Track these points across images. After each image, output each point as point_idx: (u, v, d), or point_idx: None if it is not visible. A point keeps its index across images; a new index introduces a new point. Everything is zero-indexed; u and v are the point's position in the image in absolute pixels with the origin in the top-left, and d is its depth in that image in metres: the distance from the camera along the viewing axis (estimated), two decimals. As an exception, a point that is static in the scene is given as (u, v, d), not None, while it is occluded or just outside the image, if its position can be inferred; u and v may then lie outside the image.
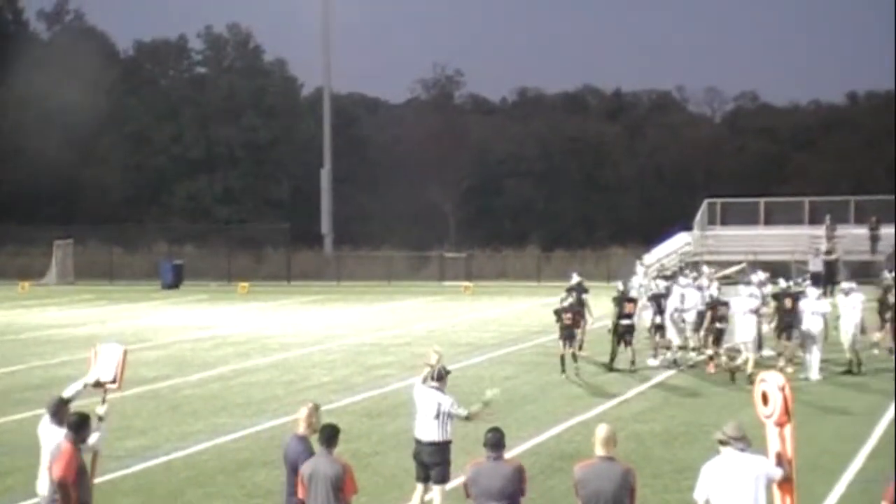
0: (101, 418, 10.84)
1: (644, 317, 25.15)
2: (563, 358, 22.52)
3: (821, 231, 49.23)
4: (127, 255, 58.86)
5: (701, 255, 48.69)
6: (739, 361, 21.85)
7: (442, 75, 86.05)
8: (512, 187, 74.62)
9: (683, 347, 24.31)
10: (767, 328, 23.18)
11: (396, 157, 72.66)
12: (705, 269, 27.23)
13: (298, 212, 66.02)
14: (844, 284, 24.68)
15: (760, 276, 26.04)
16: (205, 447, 16.56)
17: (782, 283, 25.20)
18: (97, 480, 11.14)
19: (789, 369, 21.76)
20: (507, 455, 9.68)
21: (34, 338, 31.06)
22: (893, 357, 23.21)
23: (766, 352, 23.53)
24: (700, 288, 24.82)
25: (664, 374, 23.01)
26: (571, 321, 22.39)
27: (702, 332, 23.30)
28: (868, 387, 20.76)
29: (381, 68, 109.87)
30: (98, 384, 11.12)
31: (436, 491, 11.98)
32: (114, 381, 11.13)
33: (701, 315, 23.24)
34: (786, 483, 9.13)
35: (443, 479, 11.97)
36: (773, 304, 23.70)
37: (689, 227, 52.33)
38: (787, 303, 22.82)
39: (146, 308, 41.10)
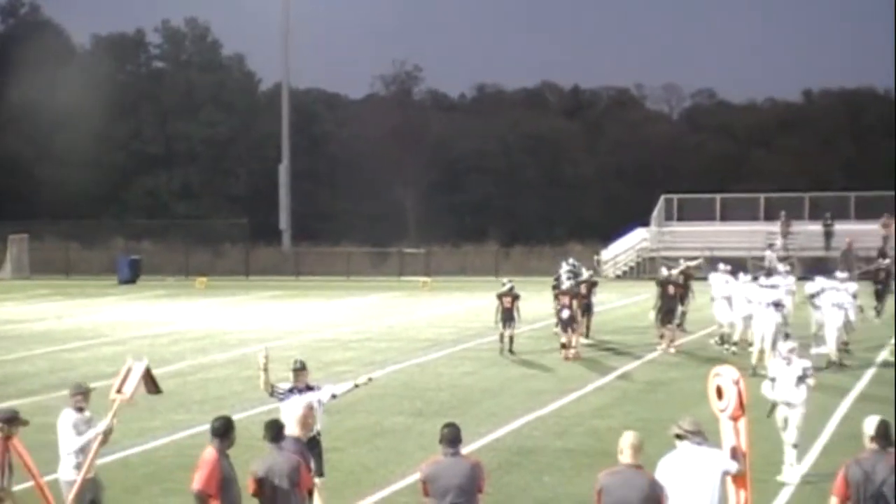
0: (106, 433, 10.90)
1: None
2: (501, 337, 25.34)
3: (776, 227, 49.83)
4: (84, 251, 58.37)
5: (658, 250, 49.08)
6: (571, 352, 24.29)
7: (401, 71, 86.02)
8: (471, 183, 74.72)
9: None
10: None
11: (356, 152, 72.49)
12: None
13: (257, 207, 65.78)
14: (839, 275, 25.07)
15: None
16: (162, 443, 16.51)
17: (664, 271, 27.22)
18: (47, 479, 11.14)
19: (671, 350, 25.00)
20: (465, 451, 9.70)
21: (-11, 334, 30.74)
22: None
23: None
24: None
25: (622, 368, 23.22)
26: (511, 305, 25.13)
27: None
28: (821, 383, 20.95)
29: (339, 64, 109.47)
30: (119, 394, 11.08)
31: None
32: (128, 396, 11.10)
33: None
34: (740, 477, 9.26)
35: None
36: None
37: (646, 223, 52.70)
38: (671, 290, 25.40)
39: (103, 303, 40.82)
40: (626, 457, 8.59)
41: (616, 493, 8.50)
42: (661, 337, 25.84)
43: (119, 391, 11.09)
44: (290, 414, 10.99)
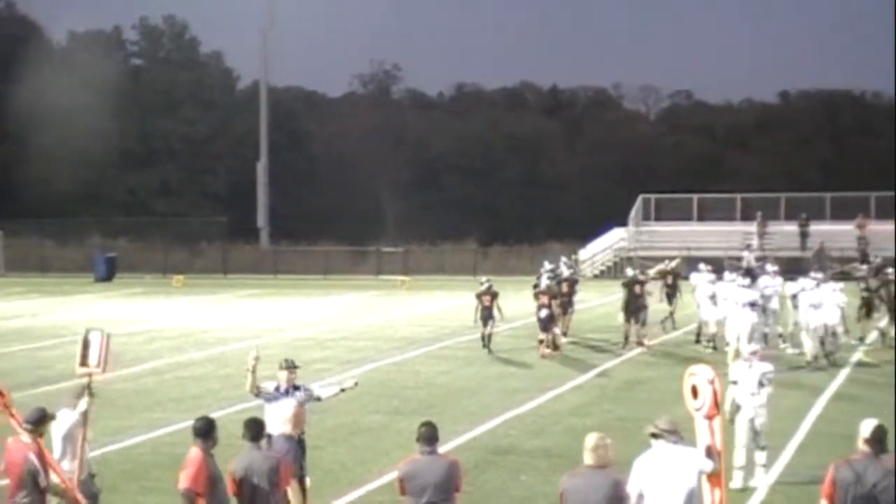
0: (83, 415, 10.90)
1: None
2: (482, 336, 25.54)
3: (752, 227, 50.09)
4: (59, 248, 58.09)
5: (635, 250, 49.24)
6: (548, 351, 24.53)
7: (380, 70, 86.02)
8: (450, 182, 74.74)
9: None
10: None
11: (334, 151, 72.44)
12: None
13: (236, 205, 65.63)
14: (812, 275, 25.08)
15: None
16: (140, 441, 16.48)
17: (629, 271, 28.06)
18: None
19: (647, 342, 25.50)
20: (442, 449, 9.72)
21: (-36, 331, 30.57)
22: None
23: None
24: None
25: (600, 367, 23.29)
26: (490, 303, 25.34)
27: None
28: (795, 383, 21.14)
29: (318, 62, 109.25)
30: (85, 367, 11.05)
31: None
32: (98, 366, 11.09)
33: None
34: (715, 476, 9.30)
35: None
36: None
37: (624, 223, 52.86)
38: (637, 289, 25.83)
39: (79, 301, 40.63)
40: (587, 458, 8.58)
41: (577, 495, 8.49)
42: (626, 339, 26.05)
43: (84, 364, 11.04)
44: (279, 413, 11.02)
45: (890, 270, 27.93)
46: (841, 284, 24.88)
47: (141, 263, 54.25)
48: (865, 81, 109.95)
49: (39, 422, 9.98)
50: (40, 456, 9.79)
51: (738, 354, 22.03)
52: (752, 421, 13.68)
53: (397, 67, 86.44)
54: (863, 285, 27.16)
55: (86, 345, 11.11)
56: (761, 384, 13.70)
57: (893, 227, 45.10)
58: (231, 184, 70.81)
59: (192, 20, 78.47)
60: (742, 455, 13.58)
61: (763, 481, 13.69)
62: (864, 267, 31.04)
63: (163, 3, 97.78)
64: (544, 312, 24.86)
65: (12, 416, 10.02)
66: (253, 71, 77.35)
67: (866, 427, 8.72)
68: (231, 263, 55.52)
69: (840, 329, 23.41)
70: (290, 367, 12.23)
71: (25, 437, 9.81)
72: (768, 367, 14.02)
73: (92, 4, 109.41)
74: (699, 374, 9.49)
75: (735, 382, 13.74)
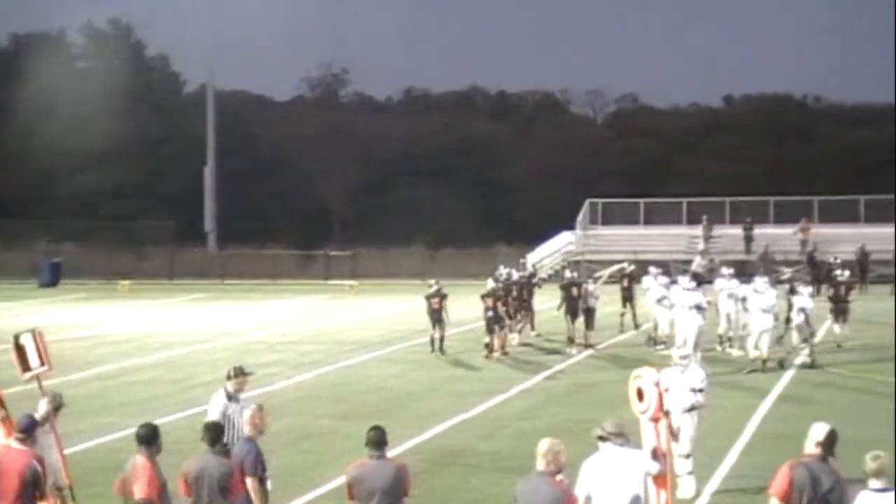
0: (45, 418, 10.82)
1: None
2: (432, 339, 25.82)
3: (698, 231, 50.63)
4: (3, 252, 57.35)
5: (583, 254, 49.53)
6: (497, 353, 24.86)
7: (328, 73, 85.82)
8: (398, 186, 74.65)
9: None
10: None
11: (282, 154, 72.14)
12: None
13: (183, 209, 65.13)
14: (758, 280, 25.30)
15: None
16: (87, 447, 16.34)
17: (567, 274, 29.09)
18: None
19: (573, 350, 25.76)
20: (391, 454, 9.76)
21: None
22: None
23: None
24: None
25: (548, 370, 23.44)
26: (439, 306, 25.66)
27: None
28: (741, 384, 21.40)
29: (265, 66, 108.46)
30: (29, 371, 10.95)
31: None
32: (43, 365, 11.01)
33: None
34: (661, 477, 9.42)
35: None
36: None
37: (572, 227, 53.17)
38: (574, 291, 26.56)
39: (22, 307, 40.15)
40: (537, 463, 8.58)
41: (525, 499, 8.51)
42: (571, 339, 26.30)
43: (27, 369, 10.94)
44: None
45: (838, 272, 28.57)
46: (809, 289, 25.30)
47: (87, 268, 53.69)
48: (807, 85, 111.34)
49: (31, 429, 9.91)
50: (42, 462, 9.74)
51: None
52: (678, 429, 13.17)
53: (345, 71, 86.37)
54: (788, 287, 27.53)
55: (20, 349, 10.99)
56: (692, 393, 13.42)
57: (893, 227, 45.40)
58: (178, 188, 70.20)
59: (137, 24, 78.03)
60: (680, 463, 13.40)
61: (689, 491, 13.42)
62: (789, 270, 31.66)
63: (108, 6, 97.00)
64: (490, 314, 25.05)
65: (5, 420, 9.93)
66: (199, 75, 76.97)
67: (819, 430, 8.67)
68: (178, 267, 55.13)
69: (808, 331, 23.72)
70: (241, 373, 11.92)
71: (16, 444, 9.73)
72: (701, 374, 13.69)
73: (35, 7, 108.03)
74: (645, 377, 9.62)
75: (667, 390, 12.76)
